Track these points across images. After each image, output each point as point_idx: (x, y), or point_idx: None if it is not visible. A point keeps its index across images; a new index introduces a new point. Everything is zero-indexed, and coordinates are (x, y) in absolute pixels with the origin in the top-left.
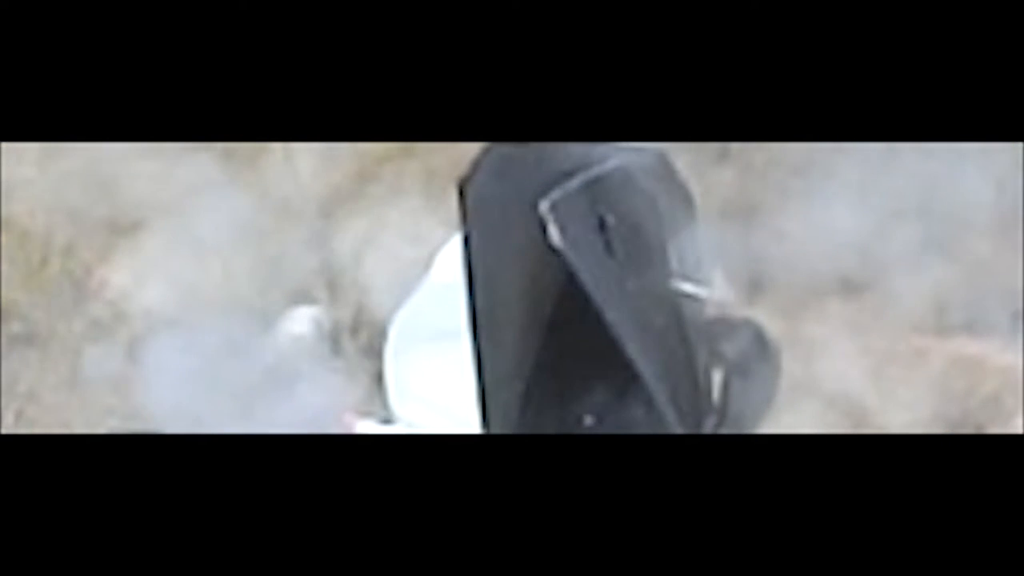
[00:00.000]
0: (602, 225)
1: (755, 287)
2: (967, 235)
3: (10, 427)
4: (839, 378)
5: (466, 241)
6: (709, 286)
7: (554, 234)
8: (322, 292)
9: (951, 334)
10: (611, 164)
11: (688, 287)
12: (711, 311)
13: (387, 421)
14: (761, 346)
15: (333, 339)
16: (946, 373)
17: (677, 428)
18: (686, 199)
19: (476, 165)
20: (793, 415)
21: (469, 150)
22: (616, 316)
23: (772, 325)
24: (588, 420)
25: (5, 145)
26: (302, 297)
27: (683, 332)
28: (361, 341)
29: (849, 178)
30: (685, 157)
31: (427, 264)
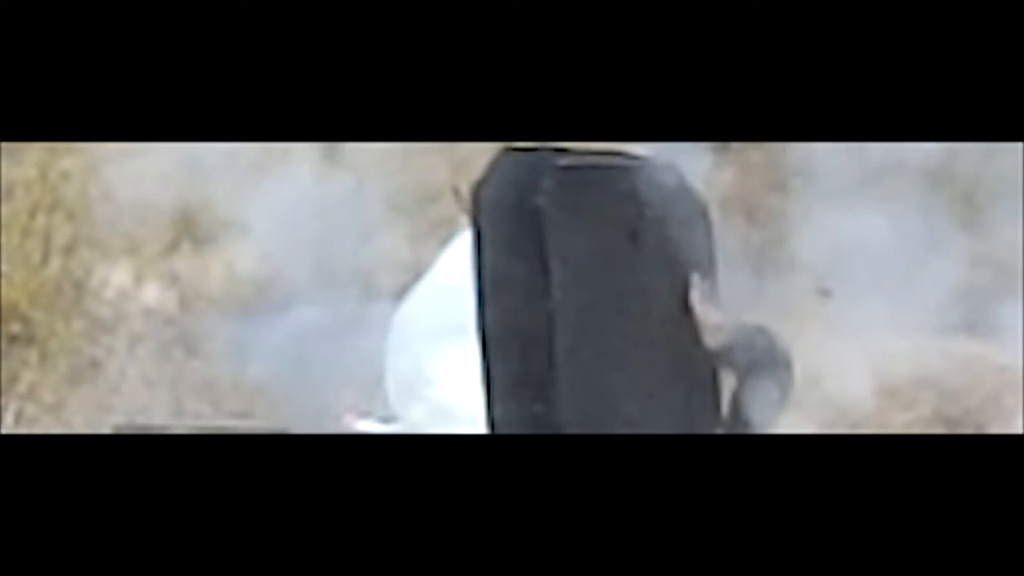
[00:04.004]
0: (632, 231)
1: (756, 287)
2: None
3: (10, 427)
4: (840, 378)
5: (477, 244)
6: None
7: (542, 201)
8: (323, 292)
9: (951, 334)
10: (633, 167)
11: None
12: (723, 320)
13: (387, 420)
14: (773, 354)
15: (334, 338)
16: (946, 373)
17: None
18: (702, 210)
19: (490, 169)
20: (793, 415)
21: (469, 150)
22: (625, 320)
23: (772, 325)
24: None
25: (5, 145)
26: (303, 297)
27: (696, 338)
28: (362, 340)
29: (849, 178)
30: (685, 157)
31: (428, 263)
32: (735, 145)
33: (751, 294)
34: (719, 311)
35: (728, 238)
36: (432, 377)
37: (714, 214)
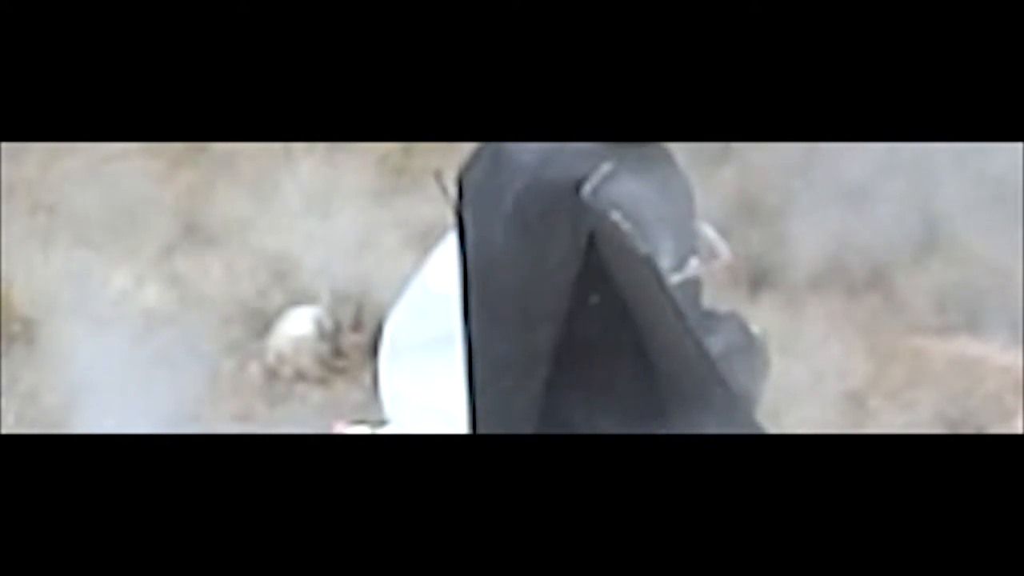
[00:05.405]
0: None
1: (756, 287)
2: (967, 235)
3: (10, 427)
4: (840, 378)
5: (461, 233)
6: (703, 263)
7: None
8: (323, 292)
9: (951, 334)
10: (607, 166)
11: (682, 275)
12: (703, 301)
13: (381, 424)
14: (746, 339)
15: (333, 339)
16: (946, 373)
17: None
18: (682, 185)
19: (474, 157)
20: (794, 415)
21: (469, 150)
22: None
23: (773, 325)
24: (610, 422)
25: (5, 145)
26: (302, 297)
27: (675, 331)
28: (361, 341)
29: (849, 178)
30: (685, 157)
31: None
32: (735, 145)
33: (751, 293)
34: (720, 255)
35: (728, 238)
36: (425, 383)
37: (714, 214)
